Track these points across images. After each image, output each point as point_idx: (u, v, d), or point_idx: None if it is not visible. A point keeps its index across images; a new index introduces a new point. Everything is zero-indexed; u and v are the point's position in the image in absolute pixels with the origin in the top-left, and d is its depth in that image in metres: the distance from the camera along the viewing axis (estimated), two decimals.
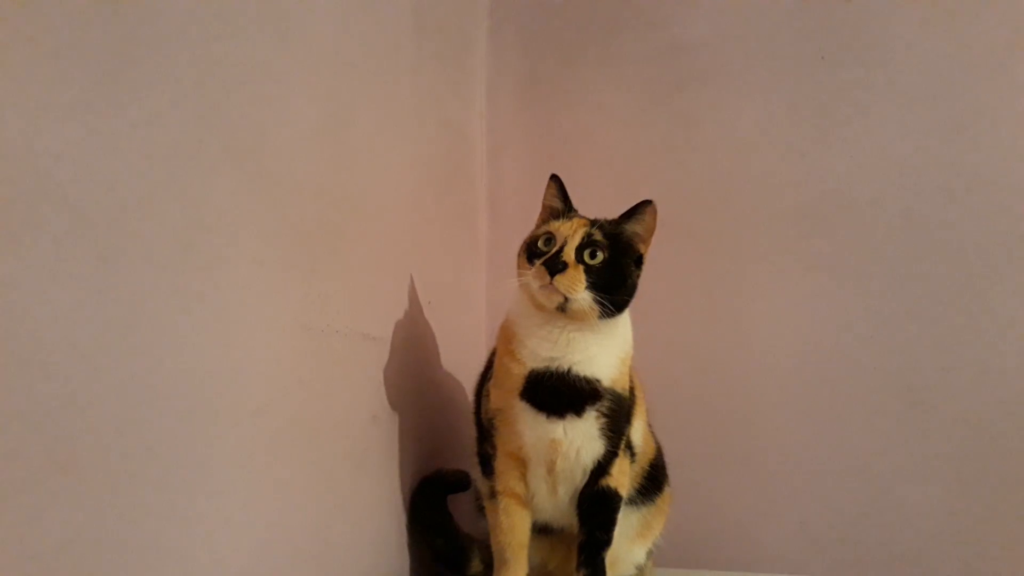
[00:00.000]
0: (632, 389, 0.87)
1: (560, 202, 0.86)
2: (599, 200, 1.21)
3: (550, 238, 0.80)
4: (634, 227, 0.83)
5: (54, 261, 0.49)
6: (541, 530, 0.86)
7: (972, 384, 1.06)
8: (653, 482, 0.91)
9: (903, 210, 1.09)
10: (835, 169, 1.12)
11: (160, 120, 0.57)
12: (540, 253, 0.79)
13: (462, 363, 1.15)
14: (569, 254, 0.78)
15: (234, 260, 0.65)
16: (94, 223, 0.52)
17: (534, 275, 0.78)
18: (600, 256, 0.79)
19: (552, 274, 0.77)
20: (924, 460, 1.07)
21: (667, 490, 0.94)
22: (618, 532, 0.83)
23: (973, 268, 1.06)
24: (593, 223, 0.82)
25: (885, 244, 1.10)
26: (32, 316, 0.47)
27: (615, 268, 0.80)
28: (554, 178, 0.87)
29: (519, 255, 0.83)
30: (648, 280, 1.17)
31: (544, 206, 0.87)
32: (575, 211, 0.86)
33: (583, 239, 0.80)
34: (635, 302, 1.20)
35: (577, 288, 0.77)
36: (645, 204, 0.83)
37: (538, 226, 0.85)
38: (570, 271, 0.77)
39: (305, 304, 0.75)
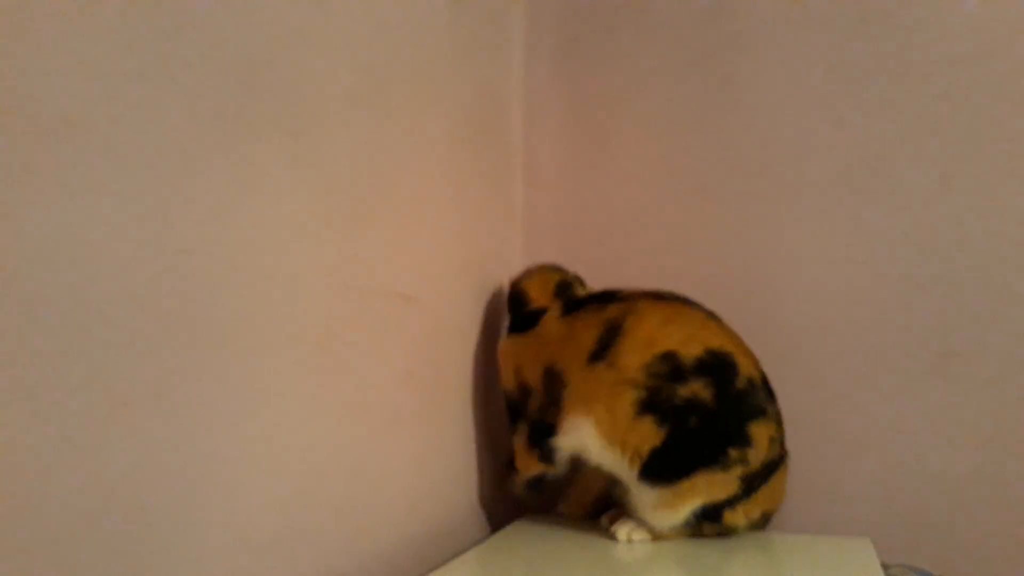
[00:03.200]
0: (527, 387, 1.01)
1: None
2: (636, 162, 1.22)
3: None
4: None
5: (110, 216, 0.52)
6: None
7: (1004, 346, 1.06)
8: (664, 468, 0.93)
9: (941, 174, 1.09)
10: (873, 133, 1.12)
11: (205, 88, 0.60)
12: None
13: (497, 323, 1.18)
14: None
15: (276, 221, 0.68)
16: (148, 181, 0.55)
17: None
18: None
19: None
20: (951, 421, 1.08)
21: (698, 475, 0.93)
22: (637, 503, 0.96)
23: (1014, 232, 1.06)
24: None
25: (922, 209, 1.09)
26: (89, 266, 0.51)
27: None
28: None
29: None
30: (679, 243, 1.19)
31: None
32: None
33: None
34: (664, 265, 1.22)
35: None
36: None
37: None
38: None
39: (344, 263, 0.78)
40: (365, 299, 0.81)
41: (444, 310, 1.00)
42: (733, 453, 0.91)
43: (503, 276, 1.23)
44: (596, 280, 1.23)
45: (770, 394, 0.98)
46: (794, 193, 1.15)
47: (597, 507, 1.07)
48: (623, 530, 0.96)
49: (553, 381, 0.98)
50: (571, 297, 1.06)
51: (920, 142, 1.10)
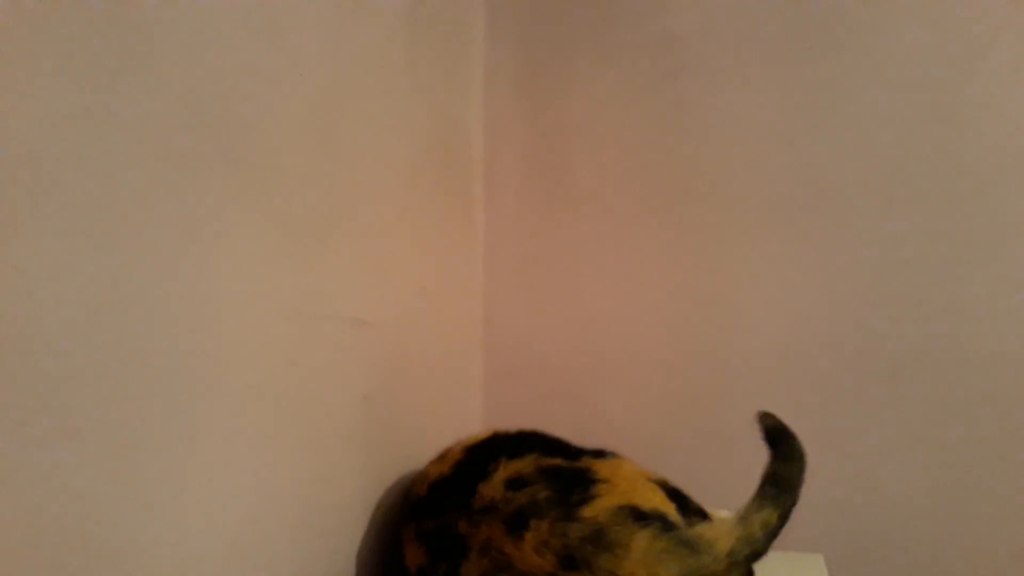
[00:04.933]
0: None
1: None
2: (594, 185, 1.25)
3: None
4: None
5: (57, 253, 0.54)
6: None
7: (950, 365, 1.09)
8: None
9: (888, 197, 1.12)
10: (821, 156, 1.15)
11: (152, 125, 0.61)
12: None
13: (458, 350, 1.19)
14: None
15: (226, 252, 0.69)
16: (94, 218, 0.56)
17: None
18: None
19: None
20: (901, 439, 1.10)
21: None
22: None
23: (955, 253, 1.09)
24: None
25: (869, 229, 1.13)
26: (37, 301, 0.52)
27: None
28: None
29: None
30: (635, 264, 1.22)
31: None
32: None
33: None
34: (622, 285, 1.23)
35: None
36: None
37: None
38: None
39: (297, 291, 0.79)
40: (319, 325, 0.82)
41: (403, 334, 1.01)
42: None
43: (464, 300, 1.25)
44: (556, 303, 1.25)
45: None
46: (746, 214, 1.18)
47: None
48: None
49: None
50: None
51: (867, 165, 1.13)
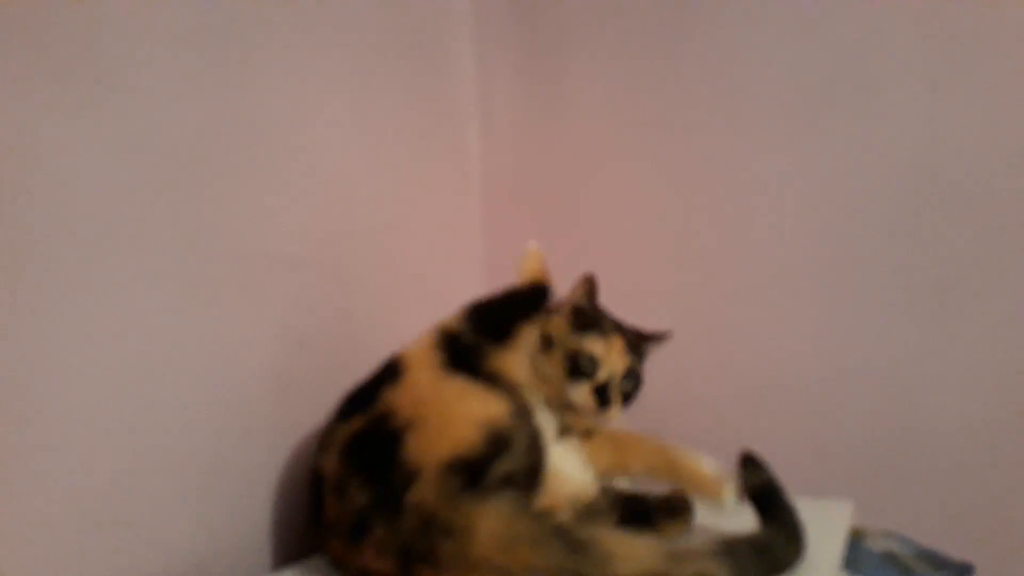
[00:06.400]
0: None
1: (590, 306, 0.83)
2: (592, 100, 1.10)
3: (593, 361, 0.80)
4: (652, 345, 0.87)
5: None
6: None
7: (1013, 282, 0.92)
8: None
9: (931, 78, 0.94)
10: (851, 38, 0.98)
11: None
12: (583, 372, 0.80)
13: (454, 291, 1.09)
14: (615, 390, 0.81)
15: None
16: None
17: (582, 400, 0.79)
18: (632, 383, 0.83)
19: (602, 406, 0.79)
20: (955, 369, 0.94)
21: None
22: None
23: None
24: (630, 348, 0.83)
25: (911, 121, 0.95)
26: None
27: (638, 385, 0.84)
28: (588, 279, 0.82)
29: (551, 351, 0.80)
30: (641, 182, 1.08)
31: (569, 304, 0.82)
32: (605, 317, 0.84)
33: (625, 371, 0.82)
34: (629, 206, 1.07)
35: (614, 418, 0.81)
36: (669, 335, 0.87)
37: (562, 324, 0.81)
38: (614, 403, 0.80)
39: (201, 227, 0.72)
40: (234, 264, 0.76)
41: (360, 272, 0.93)
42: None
43: (460, 231, 1.15)
44: (559, 230, 1.14)
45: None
46: (762, 119, 1.02)
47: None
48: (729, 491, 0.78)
49: None
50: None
51: (910, 49, 0.95)
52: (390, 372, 0.74)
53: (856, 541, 0.84)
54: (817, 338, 1.00)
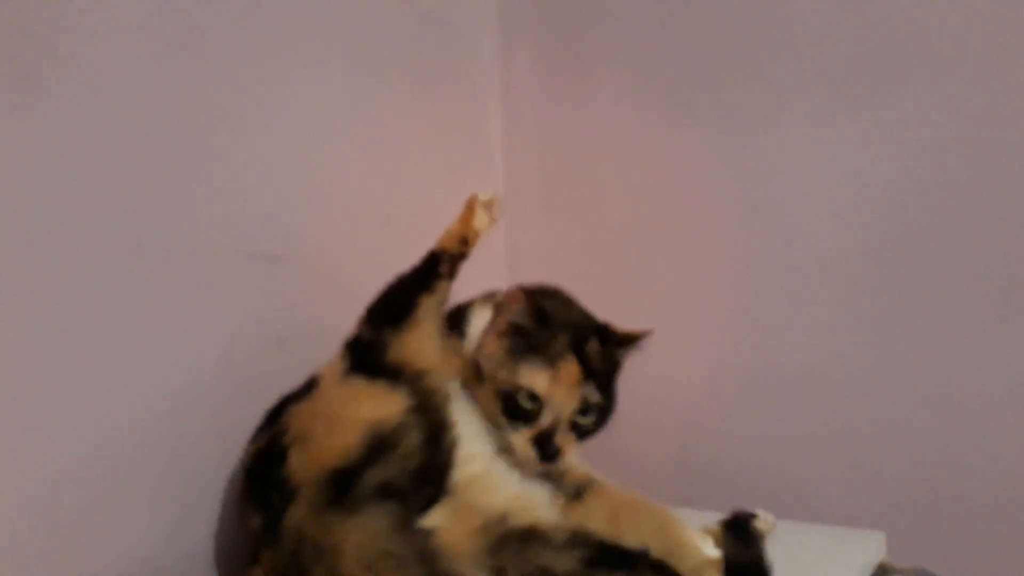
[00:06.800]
0: None
1: (533, 325, 0.68)
2: (616, 80, 1.02)
3: (533, 399, 0.66)
4: (628, 352, 0.72)
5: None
6: None
7: None
8: None
9: (991, 54, 0.82)
10: (897, 6, 0.87)
11: None
12: (520, 416, 0.66)
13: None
14: (564, 435, 0.67)
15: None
16: None
17: (520, 448, 0.66)
18: (593, 416, 0.68)
19: (545, 459, 0.66)
20: (1018, 387, 0.82)
21: None
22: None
23: None
24: (591, 371, 0.68)
25: (968, 101, 0.84)
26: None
27: (605, 413, 0.70)
28: (527, 293, 0.69)
29: (480, 384, 0.69)
30: (679, 163, 0.99)
31: (503, 320, 0.69)
32: (554, 337, 0.68)
33: (580, 407, 0.67)
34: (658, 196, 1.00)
35: (567, 455, 0.68)
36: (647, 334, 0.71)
37: (495, 347, 0.68)
38: (563, 452, 0.67)
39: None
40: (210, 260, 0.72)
41: (349, 269, 0.88)
42: None
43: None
44: (584, 219, 1.06)
45: None
46: (803, 92, 0.93)
47: None
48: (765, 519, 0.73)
49: None
50: None
51: (967, 16, 0.83)
52: (306, 388, 0.68)
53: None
54: (856, 348, 0.90)
